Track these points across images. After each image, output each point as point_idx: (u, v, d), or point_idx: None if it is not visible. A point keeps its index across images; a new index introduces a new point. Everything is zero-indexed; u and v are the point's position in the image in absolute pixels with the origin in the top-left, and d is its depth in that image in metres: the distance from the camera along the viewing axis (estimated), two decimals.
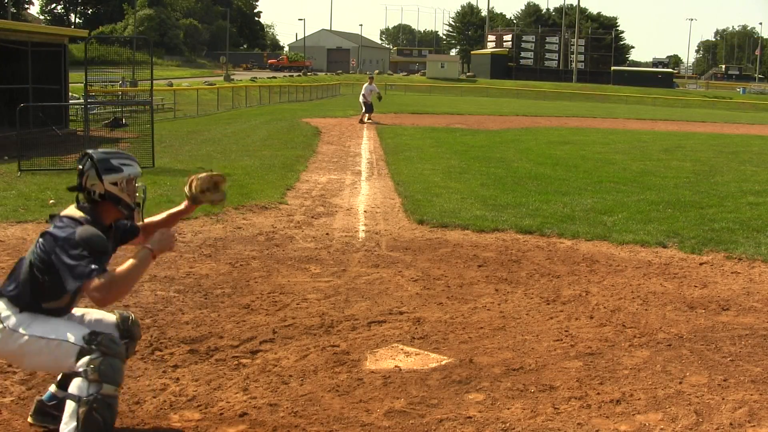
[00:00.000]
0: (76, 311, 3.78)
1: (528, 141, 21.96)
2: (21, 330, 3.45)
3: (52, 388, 3.82)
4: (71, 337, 3.46)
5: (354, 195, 11.59)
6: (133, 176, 3.67)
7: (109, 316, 3.81)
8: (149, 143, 14.12)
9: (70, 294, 3.52)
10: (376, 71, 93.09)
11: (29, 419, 3.79)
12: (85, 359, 3.41)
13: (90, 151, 3.66)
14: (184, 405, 4.09)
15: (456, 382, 4.46)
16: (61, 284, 3.39)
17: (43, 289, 3.47)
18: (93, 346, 3.43)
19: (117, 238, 3.79)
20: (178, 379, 4.41)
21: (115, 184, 3.59)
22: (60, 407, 3.60)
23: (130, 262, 3.44)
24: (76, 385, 3.41)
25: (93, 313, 3.82)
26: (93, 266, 3.33)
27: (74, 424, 3.36)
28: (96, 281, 3.30)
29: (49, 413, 3.75)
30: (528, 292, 6.43)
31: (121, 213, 3.66)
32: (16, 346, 3.45)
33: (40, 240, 3.49)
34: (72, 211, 3.57)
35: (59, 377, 3.81)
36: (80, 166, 3.62)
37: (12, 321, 3.47)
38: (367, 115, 27.55)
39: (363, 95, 28.03)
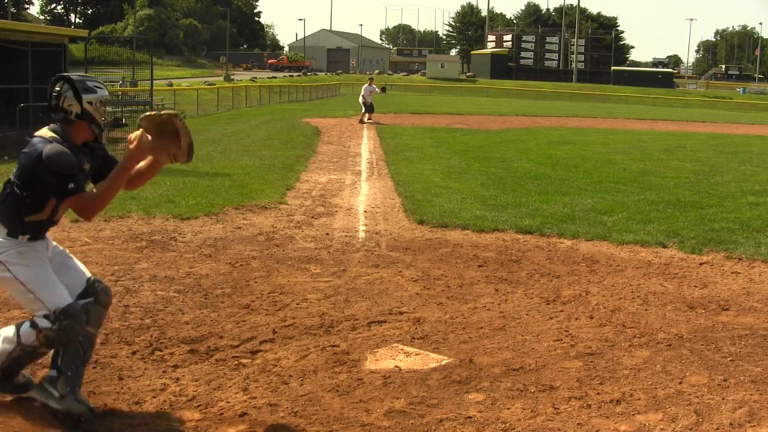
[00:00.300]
0: (59, 252, 4.06)
1: (528, 141, 21.96)
2: (9, 266, 3.75)
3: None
4: (44, 297, 3.77)
5: (354, 195, 11.59)
6: (104, 99, 3.94)
7: (84, 273, 4.06)
8: None
9: (51, 207, 3.79)
10: (376, 71, 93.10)
11: None
12: (45, 325, 3.76)
13: (65, 74, 3.92)
14: (184, 405, 4.08)
15: (456, 382, 4.46)
16: (40, 198, 3.71)
17: (24, 205, 3.73)
18: (55, 325, 3.75)
19: (95, 159, 3.96)
20: (178, 379, 4.41)
21: (90, 103, 3.84)
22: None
23: (111, 180, 3.79)
24: (26, 333, 3.82)
25: (73, 262, 4.08)
26: (71, 185, 3.64)
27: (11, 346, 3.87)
28: (77, 198, 3.68)
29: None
30: (528, 292, 6.43)
31: (93, 132, 3.89)
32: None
33: (19, 159, 3.76)
34: (43, 131, 3.79)
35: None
36: (57, 88, 3.84)
37: (5, 252, 3.75)
38: (367, 115, 27.58)
39: (362, 96, 28.06)
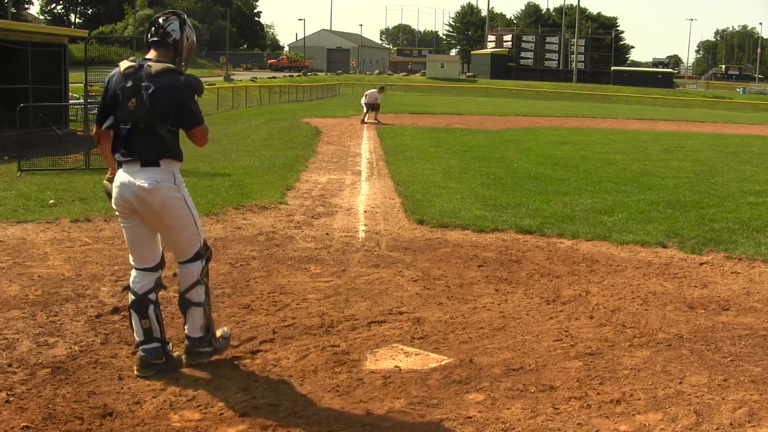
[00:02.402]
0: None
1: (528, 141, 21.96)
2: (186, 201, 4.34)
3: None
4: (201, 234, 4.50)
5: (354, 195, 11.59)
6: (195, 46, 4.47)
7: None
8: None
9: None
10: (376, 71, 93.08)
11: (136, 372, 4.43)
12: (199, 267, 4.50)
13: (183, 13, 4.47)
14: (184, 405, 4.08)
15: (456, 382, 4.46)
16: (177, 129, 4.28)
17: (176, 137, 4.27)
18: (205, 252, 4.55)
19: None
20: (178, 379, 4.41)
21: (188, 39, 4.38)
22: (165, 355, 4.51)
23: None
24: (194, 291, 4.51)
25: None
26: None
27: (202, 321, 4.53)
28: (204, 127, 4.40)
29: (151, 364, 4.43)
30: (528, 292, 6.42)
31: (178, 64, 4.34)
32: (183, 214, 4.33)
33: (154, 92, 4.14)
34: (159, 65, 4.20)
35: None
36: (163, 18, 4.34)
37: (184, 189, 4.34)
38: (371, 114, 27.53)
39: (366, 96, 28.06)
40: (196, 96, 4.29)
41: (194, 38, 4.42)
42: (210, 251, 4.64)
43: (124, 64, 4.26)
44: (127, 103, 4.16)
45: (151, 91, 4.11)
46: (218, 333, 4.64)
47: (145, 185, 4.18)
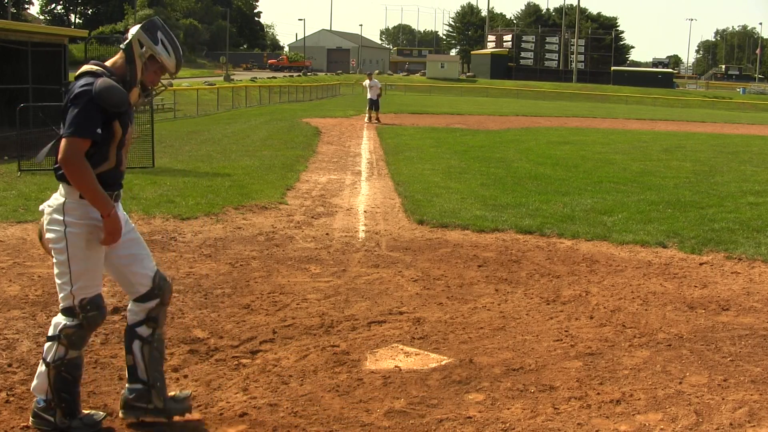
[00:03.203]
0: (131, 232, 3.76)
1: (528, 141, 21.96)
2: (67, 244, 3.51)
3: (128, 386, 3.86)
4: (75, 289, 3.55)
5: (354, 195, 11.59)
6: (160, 60, 3.58)
7: (150, 268, 3.79)
8: (149, 143, 14.12)
9: (113, 154, 3.59)
10: (377, 71, 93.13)
11: (120, 415, 3.85)
12: (63, 323, 3.59)
13: (157, 18, 3.70)
14: None
15: (456, 382, 4.46)
16: (104, 147, 3.51)
17: (89, 156, 3.46)
18: (81, 314, 3.58)
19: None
20: (178, 379, 4.41)
21: (141, 44, 3.55)
22: (142, 398, 3.80)
23: (101, 190, 3.48)
24: (46, 347, 3.63)
25: (140, 250, 3.77)
26: (97, 130, 3.40)
27: (46, 385, 3.62)
28: (79, 145, 3.39)
29: (136, 407, 3.81)
30: (528, 292, 6.43)
31: (125, 74, 3.58)
32: (53, 238, 3.55)
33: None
34: (85, 66, 3.57)
35: (128, 373, 3.88)
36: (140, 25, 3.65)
37: (72, 227, 3.52)
38: (375, 113, 27.54)
39: (369, 90, 28.07)
40: (102, 106, 3.41)
41: (159, 51, 3.56)
42: (88, 315, 3.59)
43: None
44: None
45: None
46: (171, 393, 3.91)
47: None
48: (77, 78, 3.53)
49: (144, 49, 3.55)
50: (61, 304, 3.63)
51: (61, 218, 3.52)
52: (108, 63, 3.63)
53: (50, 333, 3.63)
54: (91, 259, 3.57)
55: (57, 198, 3.59)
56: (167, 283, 3.87)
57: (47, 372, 3.60)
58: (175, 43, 3.65)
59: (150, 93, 3.75)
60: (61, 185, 3.59)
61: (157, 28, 3.60)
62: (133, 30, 3.60)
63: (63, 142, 3.43)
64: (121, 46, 3.59)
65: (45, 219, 3.61)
